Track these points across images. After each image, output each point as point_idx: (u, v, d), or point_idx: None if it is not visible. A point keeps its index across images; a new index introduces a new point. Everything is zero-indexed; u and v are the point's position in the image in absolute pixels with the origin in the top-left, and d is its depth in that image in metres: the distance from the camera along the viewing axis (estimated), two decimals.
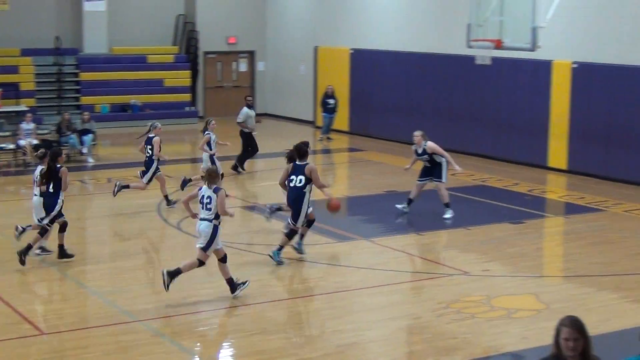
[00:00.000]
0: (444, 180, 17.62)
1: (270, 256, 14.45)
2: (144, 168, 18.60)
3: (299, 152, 14.61)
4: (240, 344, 11.19)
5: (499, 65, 22.32)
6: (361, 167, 23.80)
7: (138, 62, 32.76)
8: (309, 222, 14.82)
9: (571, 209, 18.95)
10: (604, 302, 12.69)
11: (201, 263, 12.49)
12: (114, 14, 32.55)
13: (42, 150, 15.16)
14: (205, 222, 12.37)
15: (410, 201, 17.88)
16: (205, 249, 12.38)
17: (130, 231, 17.02)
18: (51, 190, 14.29)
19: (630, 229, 17.04)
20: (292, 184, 14.49)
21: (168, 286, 12.33)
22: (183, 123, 32.21)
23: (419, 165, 17.89)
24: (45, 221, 14.30)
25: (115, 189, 18.39)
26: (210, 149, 19.67)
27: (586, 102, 21.88)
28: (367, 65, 29.01)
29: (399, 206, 18.00)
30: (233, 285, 12.64)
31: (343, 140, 28.88)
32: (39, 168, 14.56)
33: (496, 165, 23.24)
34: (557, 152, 22.64)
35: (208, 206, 12.37)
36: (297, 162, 14.53)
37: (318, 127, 30.14)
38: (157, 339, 11.20)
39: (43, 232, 14.38)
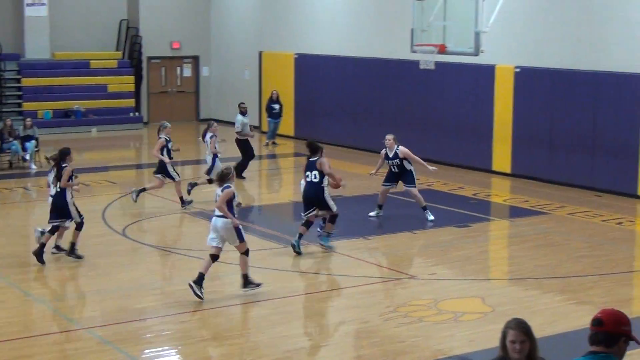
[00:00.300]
0: (415, 185, 17.73)
1: (321, 244, 15.54)
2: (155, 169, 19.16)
3: (310, 148, 15.48)
4: (187, 350, 11.09)
5: (443, 70, 22.43)
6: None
7: (81, 67, 32.43)
8: (307, 223, 15.28)
9: (515, 212, 19.10)
10: (549, 304, 12.79)
11: (247, 253, 12.96)
12: (56, 19, 32.19)
13: (54, 154, 15.29)
14: (223, 219, 12.75)
15: (380, 207, 17.91)
16: (241, 239, 12.83)
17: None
18: (59, 189, 14.62)
19: (574, 231, 17.20)
20: (308, 179, 15.31)
21: (201, 294, 12.55)
22: (127, 129, 31.99)
23: (383, 170, 17.93)
24: (67, 223, 14.76)
25: (134, 195, 18.70)
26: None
27: (529, 106, 22.09)
28: (311, 70, 29.02)
29: (371, 214, 17.95)
30: (246, 280, 12.98)
31: (288, 145, 28.84)
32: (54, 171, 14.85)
33: (441, 169, 23.26)
34: (501, 155, 22.82)
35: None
36: (310, 159, 15.38)
37: (263, 132, 30.07)
38: (103, 347, 11.05)
39: (53, 230, 14.73)
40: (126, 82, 32.88)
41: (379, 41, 26.51)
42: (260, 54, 31.47)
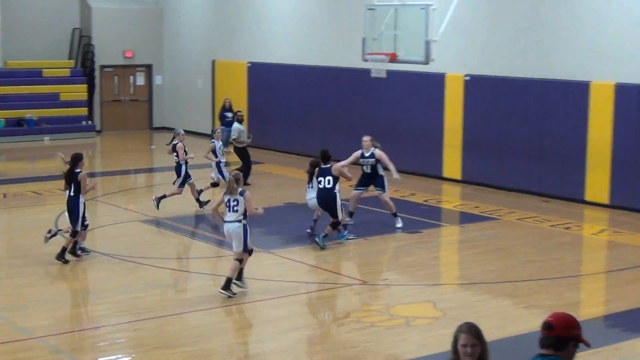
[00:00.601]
0: (386, 190, 17.76)
1: (317, 242, 16.03)
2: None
3: (324, 156, 16.44)
4: (141, 358, 11.00)
5: (394, 78, 22.54)
6: (260, 179, 23.70)
7: (33, 76, 32.11)
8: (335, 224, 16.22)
9: (466, 218, 19.20)
10: (499, 308, 12.87)
11: (241, 262, 13.32)
12: (8, 27, 31.89)
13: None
14: (235, 224, 13.14)
15: (351, 214, 17.84)
16: (244, 248, 13.23)
17: (26, 247, 16.58)
18: (72, 194, 14.97)
19: (523, 236, 17.34)
20: (321, 186, 16.13)
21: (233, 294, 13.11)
22: (80, 137, 31.69)
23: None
24: (77, 226, 14.88)
25: (155, 202, 18.78)
26: (215, 156, 20.15)
27: (478, 114, 22.25)
28: (264, 78, 29.00)
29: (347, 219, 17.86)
30: (228, 284, 13.17)
31: None
32: None
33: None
34: (452, 162, 22.95)
35: (235, 208, 13.18)
36: (322, 166, 16.25)
37: None
38: (55, 356, 10.94)
39: (74, 234, 14.91)
40: (79, 91, 32.59)
41: (331, 50, 26.56)
42: (213, 62, 31.39)
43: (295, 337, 11.86)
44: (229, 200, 13.23)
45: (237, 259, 13.25)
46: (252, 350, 11.23)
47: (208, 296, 13.83)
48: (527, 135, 21.17)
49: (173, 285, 14.04)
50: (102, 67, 33.59)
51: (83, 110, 32.54)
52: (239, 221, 13.16)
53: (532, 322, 11.95)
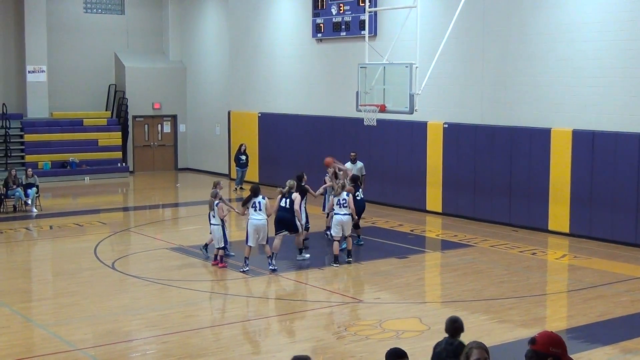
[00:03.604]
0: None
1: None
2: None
3: (354, 180, 18.06)
4: None
5: (384, 126, 22.58)
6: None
7: (75, 124, 32.20)
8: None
9: (446, 245, 19.15)
10: (476, 322, 12.80)
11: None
12: (54, 83, 32.03)
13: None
14: (263, 220, 15.77)
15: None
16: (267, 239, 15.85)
17: (69, 271, 16.55)
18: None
19: (496, 261, 17.28)
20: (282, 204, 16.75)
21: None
22: (116, 177, 31.75)
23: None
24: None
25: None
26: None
27: (456, 156, 22.28)
28: (272, 126, 29.05)
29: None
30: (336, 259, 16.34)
31: None
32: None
33: (384, 210, 23.40)
34: (434, 197, 22.94)
35: (259, 209, 15.81)
36: (346, 190, 17.08)
37: (232, 179, 30.00)
38: None
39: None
40: (114, 137, 32.66)
41: (329, 102, 26.65)
42: (229, 113, 31.47)
43: (302, 348, 11.78)
44: (254, 203, 15.88)
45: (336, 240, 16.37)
46: None
47: (227, 313, 13.81)
48: (498, 174, 21.19)
49: (195, 304, 13.98)
50: (134, 117, 33.69)
51: (118, 154, 32.58)
52: (265, 219, 15.84)
53: (504, 335, 11.93)
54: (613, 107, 18.86)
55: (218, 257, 16.54)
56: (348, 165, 21.70)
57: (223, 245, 16.62)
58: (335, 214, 16.91)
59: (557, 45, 19.90)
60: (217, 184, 17.39)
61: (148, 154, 34.25)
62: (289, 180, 17.17)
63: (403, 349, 5.33)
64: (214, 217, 16.53)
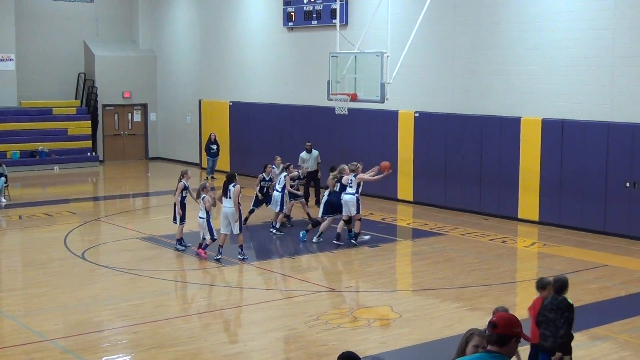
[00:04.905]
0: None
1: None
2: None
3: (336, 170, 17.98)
4: (140, 357, 10.87)
5: (355, 115, 22.57)
6: (242, 201, 23.60)
7: (44, 114, 31.86)
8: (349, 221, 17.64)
9: (417, 233, 19.21)
10: (447, 310, 12.86)
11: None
12: (23, 72, 31.66)
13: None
14: (230, 208, 15.89)
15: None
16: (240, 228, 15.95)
17: (39, 261, 16.39)
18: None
19: (466, 249, 17.37)
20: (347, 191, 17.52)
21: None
22: (85, 167, 31.47)
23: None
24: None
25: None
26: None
27: (427, 145, 22.34)
28: (244, 115, 28.94)
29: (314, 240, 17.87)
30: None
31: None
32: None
33: None
34: (405, 186, 22.99)
35: (229, 197, 15.89)
36: (344, 176, 17.55)
37: (203, 168, 29.87)
38: (65, 355, 10.79)
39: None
40: (84, 126, 32.37)
41: (300, 91, 26.59)
42: (200, 102, 31.31)
43: (274, 337, 11.79)
44: (226, 191, 15.99)
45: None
46: (236, 349, 11.14)
47: (198, 303, 13.76)
48: (468, 162, 21.27)
49: (166, 294, 13.91)
50: (104, 106, 33.39)
51: (88, 143, 32.30)
52: (230, 207, 15.84)
53: (475, 322, 11.96)
54: (582, 96, 18.99)
55: (203, 245, 16.32)
56: (304, 154, 22.02)
57: (210, 236, 16.29)
58: (345, 193, 17.43)
59: (527, 35, 20.00)
60: (184, 172, 17.25)
61: (118, 143, 33.99)
62: (340, 166, 17.97)
63: (355, 352, 5.38)
64: (201, 210, 16.39)
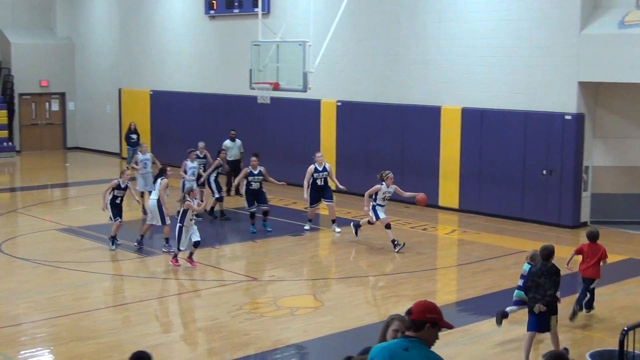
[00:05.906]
0: (332, 200, 18.30)
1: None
2: None
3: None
4: (59, 350, 10.68)
5: (277, 104, 22.52)
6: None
7: None
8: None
9: (340, 222, 19.24)
10: (369, 298, 12.98)
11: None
12: None
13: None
14: (152, 200, 15.89)
15: (310, 220, 18.41)
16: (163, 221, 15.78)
17: None
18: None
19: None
20: (319, 183, 17.80)
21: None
22: (2, 157, 30.67)
23: None
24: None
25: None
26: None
27: (349, 133, 22.44)
28: (165, 104, 28.62)
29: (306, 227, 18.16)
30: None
31: None
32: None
33: (277, 188, 23.30)
34: None
35: (155, 189, 15.93)
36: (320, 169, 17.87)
37: (124, 158, 29.43)
38: None
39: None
40: (0, 116, 31.56)
41: (222, 79, 26.41)
42: (119, 90, 30.82)
43: (195, 327, 11.71)
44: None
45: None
46: (157, 340, 11.02)
47: (119, 295, 13.57)
48: (389, 151, 21.45)
49: (85, 286, 13.68)
50: (21, 95, 32.57)
51: (4, 133, 31.50)
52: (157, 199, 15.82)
53: (396, 309, 12.09)
54: (501, 86, 19.33)
55: (173, 255, 15.08)
56: (227, 142, 21.95)
57: (161, 222, 15.91)
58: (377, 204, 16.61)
59: (447, 25, 20.24)
60: (123, 172, 16.86)
61: (35, 133, 33.21)
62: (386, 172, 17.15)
63: (147, 352, 5.63)
64: (154, 191, 16.25)
